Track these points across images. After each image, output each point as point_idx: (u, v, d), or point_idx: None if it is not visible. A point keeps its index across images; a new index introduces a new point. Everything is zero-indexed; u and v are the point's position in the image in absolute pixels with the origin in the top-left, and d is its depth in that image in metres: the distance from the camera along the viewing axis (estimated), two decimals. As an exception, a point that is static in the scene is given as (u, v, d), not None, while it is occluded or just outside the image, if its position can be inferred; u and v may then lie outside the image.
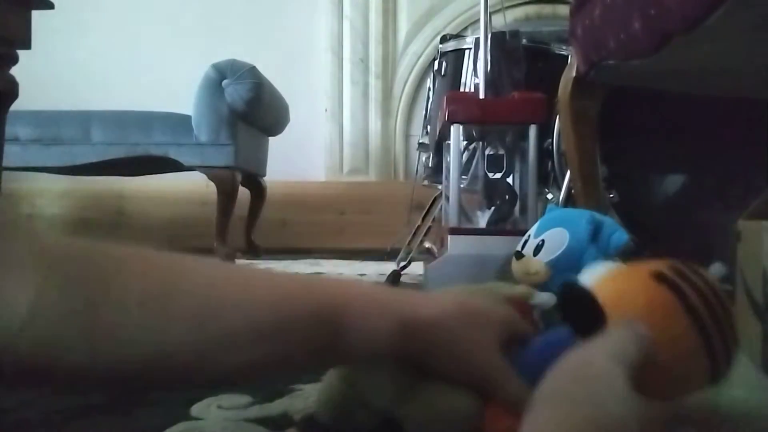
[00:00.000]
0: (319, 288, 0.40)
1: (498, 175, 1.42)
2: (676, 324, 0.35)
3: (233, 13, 2.91)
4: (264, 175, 2.54)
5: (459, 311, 0.42)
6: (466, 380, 0.40)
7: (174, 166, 2.16)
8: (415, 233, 1.82)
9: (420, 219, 1.85)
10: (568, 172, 1.33)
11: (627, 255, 0.96)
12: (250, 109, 2.14)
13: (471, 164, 1.53)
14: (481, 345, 0.40)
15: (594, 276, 0.43)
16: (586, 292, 0.38)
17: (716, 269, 0.42)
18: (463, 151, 1.51)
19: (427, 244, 1.77)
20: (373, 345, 0.38)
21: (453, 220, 1.31)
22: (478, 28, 1.45)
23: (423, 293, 0.43)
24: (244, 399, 0.55)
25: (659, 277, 0.37)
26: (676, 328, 0.35)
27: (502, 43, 1.53)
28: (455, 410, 0.40)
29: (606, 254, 0.82)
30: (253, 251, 2.50)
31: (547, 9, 2.76)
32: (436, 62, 1.85)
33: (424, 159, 1.88)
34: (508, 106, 1.32)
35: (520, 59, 1.56)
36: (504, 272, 0.95)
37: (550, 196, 1.57)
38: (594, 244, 0.81)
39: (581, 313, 0.36)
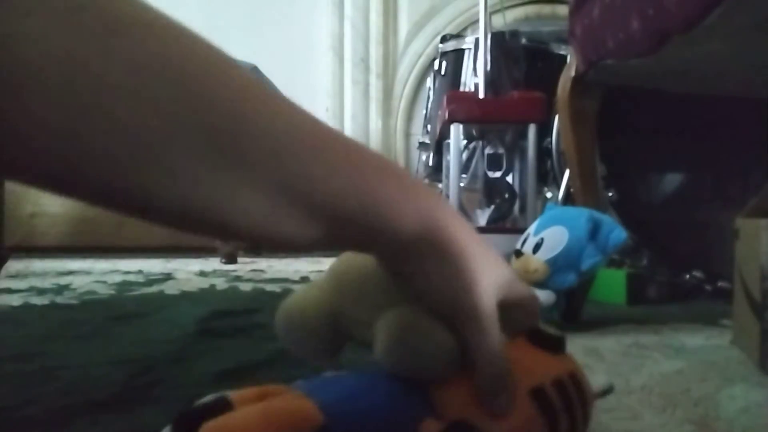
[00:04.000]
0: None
1: (497, 174, 1.43)
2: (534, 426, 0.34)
3: (234, 13, 2.91)
4: (265, 175, 2.54)
5: (482, 245, 0.37)
6: (450, 314, 0.33)
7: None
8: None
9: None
10: (567, 171, 1.34)
11: (625, 253, 0.96)
12: (251, 108, 2.14)
13: (471, 163, 1.53)
14: (487, 289, 0.33)
15: None
16: None
17: (603, 383, 0.42)
18: (463, 150, 1.52)
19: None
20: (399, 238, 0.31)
21: (453, 219, 1.31)
22: (478, 28, 1.45)
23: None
24: (246, 395, 0.56)
25: (535, 396, 0.35)
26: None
27: (501, 43, 1.54)
28: (428, 335, 0.33)
29: (605, 252, 0.83)
30: (255, 249, 2.51)
31: (546, 9, 2.76)
32: (437, 62, 1.85)
33: (424, 158, 1.89)
34: (508, 105, 1.32)
35: (520, 59, 1.57)
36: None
37: (549, 194, 1.57)
38: (593, 242, 0.82)
39: None
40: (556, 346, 0.37)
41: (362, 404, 0.31)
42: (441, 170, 1.68)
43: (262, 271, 1.82)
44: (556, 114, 1.25)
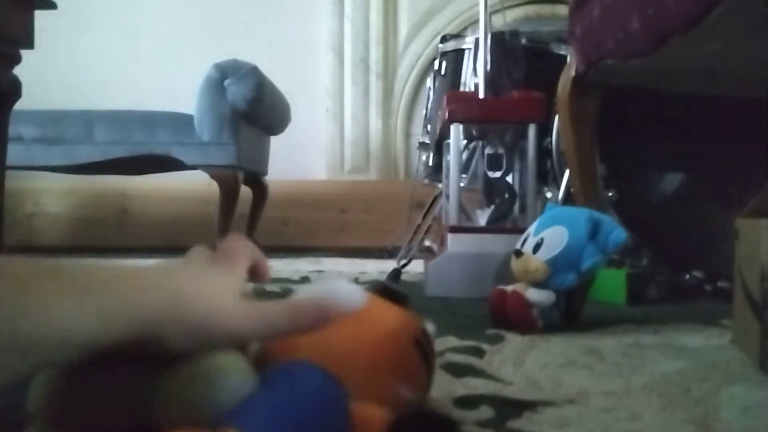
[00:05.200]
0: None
1: (497, 174, 1.42)
2: (419, 372, 0.41)
3: (235, 13, 2.91)
4: (266, 174, 2.55)
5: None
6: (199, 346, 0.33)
7: (176, 165, 2.17)
8: (415, 232, 1.82)
9: (420, 217, 1.85)
10: (567, 171, 1.34)
11: (625, 253, 0.96)
12: (252, 108, 2.14)
13: (471, 163, 1.53)
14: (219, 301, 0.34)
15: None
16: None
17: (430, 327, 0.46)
18: (463, 150, 1.52)
19: (427, 243, 1.78)
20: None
21: (453, 219, 1.32)
22: (478, 28, 1.45)
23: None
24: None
25: (418, 345, 0.41)
26: (419, 374, 0.41)
27: (501, 43, 1.54)
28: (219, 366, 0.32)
29: (605, 252, 0.83)
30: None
31: (546, 9, 2.76)
32: (437, 62, 1.85)
33: (424, 158, 1.89)
34: (508, 105, 1.32)
35: (520, 59, 1.56)
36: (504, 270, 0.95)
37: (549, 194, 1.57)
38: (593, 242, 0.82)
39: None
40: (402, 300, 0.44)
41: (291, 415, 0.31)
42: (441, 170, 1.68)
43: (262, 270, 1.81)
44: (556, 114, 1.25)
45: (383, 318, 0.41)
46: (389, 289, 0.44)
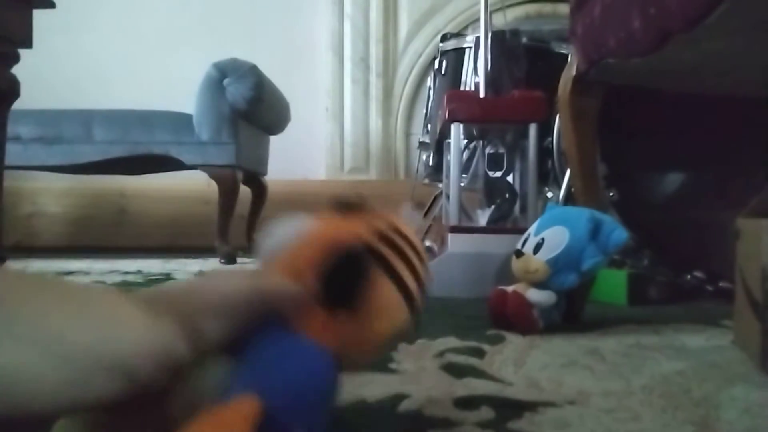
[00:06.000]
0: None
1: (498, 174, 1.42)
2: (382, 291, 0.36)
3: (234, 12, 2.91)
4: (265, 174, 2.54)
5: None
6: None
7: (175, 164, 2.16)
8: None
9: (421, 217, 1.85)
10: (568, 171, 1.33)
11: (626, 253, 0.96)
12: (251, 108, 2.14)
13: (471, 163, 1.53)
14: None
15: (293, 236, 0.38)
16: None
17: (407, 213, 0.42)
18: (464, 150, 1.51)
19: (427, 243, 1.78)
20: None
21: (453, 219, 1.31)
22: (479, 26, 1.45)
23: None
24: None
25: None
26: (382, 295, 0.35)
27: (502, 42, 1.54)
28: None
29: (605, 252, 0.83)
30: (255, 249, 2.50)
31: (547, 7, 2.76)
32: (437, 61, 1.85)
33: (424, 158, 1.89)
34: (509, 104, 1.32)
35: (521, 58, 1.56)
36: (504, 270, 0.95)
37: (550, 194, 1.57)
38: (594, 242, 0.82)
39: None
40: (359, 207, 0.40)
41: (290, 373, 0.32)
42: (441, 170, 1.67)
43: (262, 270, 1.81)
44: (557, 113, 1.25)
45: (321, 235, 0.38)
46: (342, 202, 0.40)
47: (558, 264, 0.82)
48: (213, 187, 2.16)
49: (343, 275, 0.34)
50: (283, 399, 0.31)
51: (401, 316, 0.37)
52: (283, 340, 0.34)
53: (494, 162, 1.42)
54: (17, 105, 1.39)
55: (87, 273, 1.71)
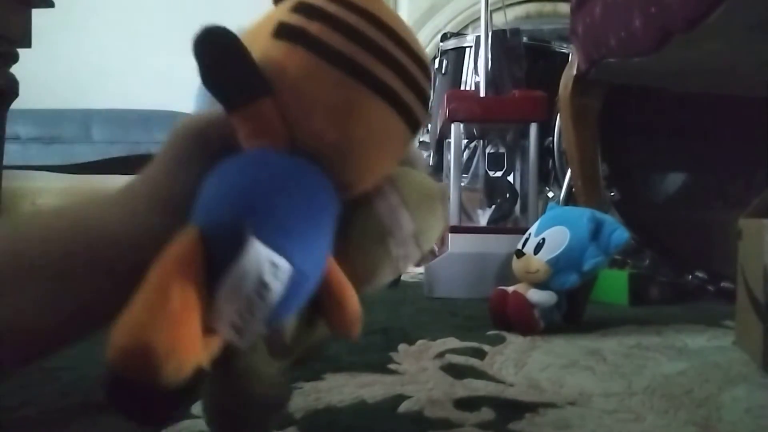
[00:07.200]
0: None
1: (498, 174, 1.42)
2: (324, 82, 0.29)
3: (234, 11, 2.90)
4: (265, 174, 2.54)
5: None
6: None
7: (175, 164, 2.16)
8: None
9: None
10: (569, 171, 1.33)
11: (627, 253, 0.96)
12: (251, 107, 2.14)
13: (471, 162, 1.53)
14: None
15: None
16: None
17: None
18: (464, 150, 1.51)
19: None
20: None
21: (454, 219, 1.31)
22: (479, 26, 1.45)
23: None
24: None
25: (279, 33, 0.30)
26: (324, 87, 0.29)
27: (502, 42, 1.53)
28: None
29: (606, 252, 0.83)
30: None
31: (548, 7, 2.75)
32: (437, 60, 1.85)
33: (424, 157, 1.88)
34: (509, 104, 1.32)
35: (521, 57, 1.56)
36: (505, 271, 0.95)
37: (550, 194, 1.57)
38: (595, 243, 0.81)
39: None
40: None
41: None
42: (441, 169, 1.67)
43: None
44: (557, 113, 1.25)
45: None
46: None
47: (559, 264, 0.81)
48: (213, 186, 2.16)
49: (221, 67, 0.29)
50: (218, 213, 0.27)
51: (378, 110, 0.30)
52: (226, 160, 0.30)
53: (494, 162, 1.41)
54: (16, 105, 1.39)
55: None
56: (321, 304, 0.31)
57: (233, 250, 0.26)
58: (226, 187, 0.28)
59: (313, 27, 0.30)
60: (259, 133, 0.29)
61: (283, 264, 0.26)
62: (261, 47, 0.31)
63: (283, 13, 0.32)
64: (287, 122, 0.29)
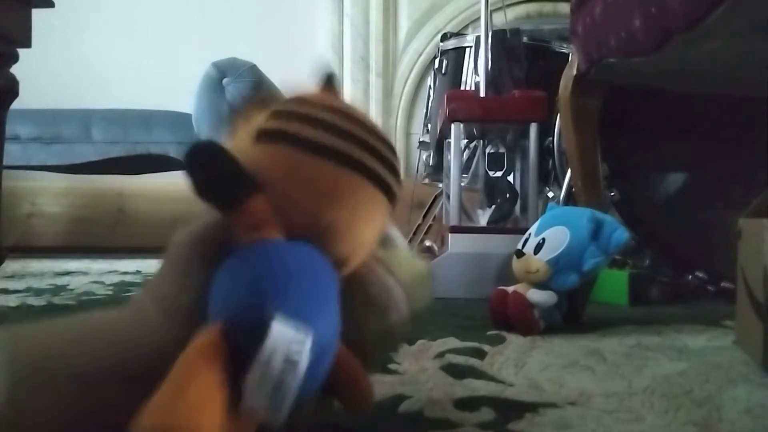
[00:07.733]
0: None
1: (498, 174, 1.42)
2: (310, 171, 0.32)
3: (234, 11, 2.91)
4: (265, 174, 2.54)
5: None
6: None
7: (174, 164, 2.16)
8: (415, 232, 1.82)
9: (421, 217, 1.85)
10: (569, 171, 1.33)
11: (627, 253, 0.96)
12: (251, 107, 2.14)
13: (471, 162, 1.53)
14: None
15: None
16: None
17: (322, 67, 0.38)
18: (464, 150, 1.51)
19: (427, 243, 1.77)
20: None
21: (454, 219, 1.31)
22: (479, 26, 1.44)
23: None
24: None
25: (261, 138, 0.33)
26: (311, 175, 0.32)
27: (502, 42, 1.53)
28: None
29: (607, 252, 0.82)
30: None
31: (547, 7, 2.75)
32: (437, 60, 1.84)
33: (424, 157, 1.88)
34: (509, 104, 1.32)
35: (521, 57, 1.56)
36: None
37: (550, 194, 1.57)
38: (595, 243, 0.81)
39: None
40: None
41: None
42: (441, 170, 1.67)
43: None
44: (557, 113, 1.25)
45: None
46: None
47: (559, 264, 0.81)
48: (212, 187, 2.15)
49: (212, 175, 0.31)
50: (237, 305, 0.30)
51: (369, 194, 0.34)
52: (232, 255, 0.32)
53: (495, 162, 1.41)
54: (16, 104, 1.39)
55: (86, 273, 1.70)
56: (333, 383, 0.34)
57: (257, 337, 0.28)
58: (240, 281, 0.31)
59: (292, 126, 0.34)
60: (256, 227, 0.32)
61: (305, 337, 0.29)
62: (245, 154, 0.33)
63: (261, 123, 0.34)
64: (281, 212, 0.32)
